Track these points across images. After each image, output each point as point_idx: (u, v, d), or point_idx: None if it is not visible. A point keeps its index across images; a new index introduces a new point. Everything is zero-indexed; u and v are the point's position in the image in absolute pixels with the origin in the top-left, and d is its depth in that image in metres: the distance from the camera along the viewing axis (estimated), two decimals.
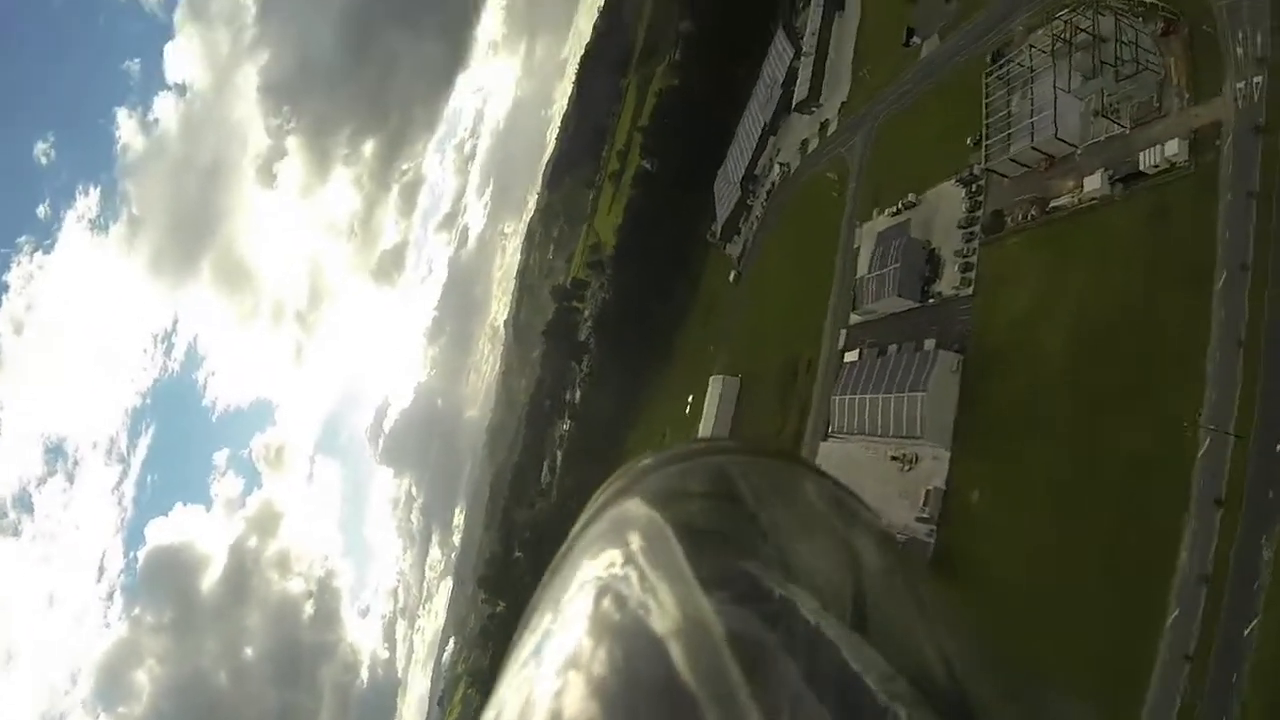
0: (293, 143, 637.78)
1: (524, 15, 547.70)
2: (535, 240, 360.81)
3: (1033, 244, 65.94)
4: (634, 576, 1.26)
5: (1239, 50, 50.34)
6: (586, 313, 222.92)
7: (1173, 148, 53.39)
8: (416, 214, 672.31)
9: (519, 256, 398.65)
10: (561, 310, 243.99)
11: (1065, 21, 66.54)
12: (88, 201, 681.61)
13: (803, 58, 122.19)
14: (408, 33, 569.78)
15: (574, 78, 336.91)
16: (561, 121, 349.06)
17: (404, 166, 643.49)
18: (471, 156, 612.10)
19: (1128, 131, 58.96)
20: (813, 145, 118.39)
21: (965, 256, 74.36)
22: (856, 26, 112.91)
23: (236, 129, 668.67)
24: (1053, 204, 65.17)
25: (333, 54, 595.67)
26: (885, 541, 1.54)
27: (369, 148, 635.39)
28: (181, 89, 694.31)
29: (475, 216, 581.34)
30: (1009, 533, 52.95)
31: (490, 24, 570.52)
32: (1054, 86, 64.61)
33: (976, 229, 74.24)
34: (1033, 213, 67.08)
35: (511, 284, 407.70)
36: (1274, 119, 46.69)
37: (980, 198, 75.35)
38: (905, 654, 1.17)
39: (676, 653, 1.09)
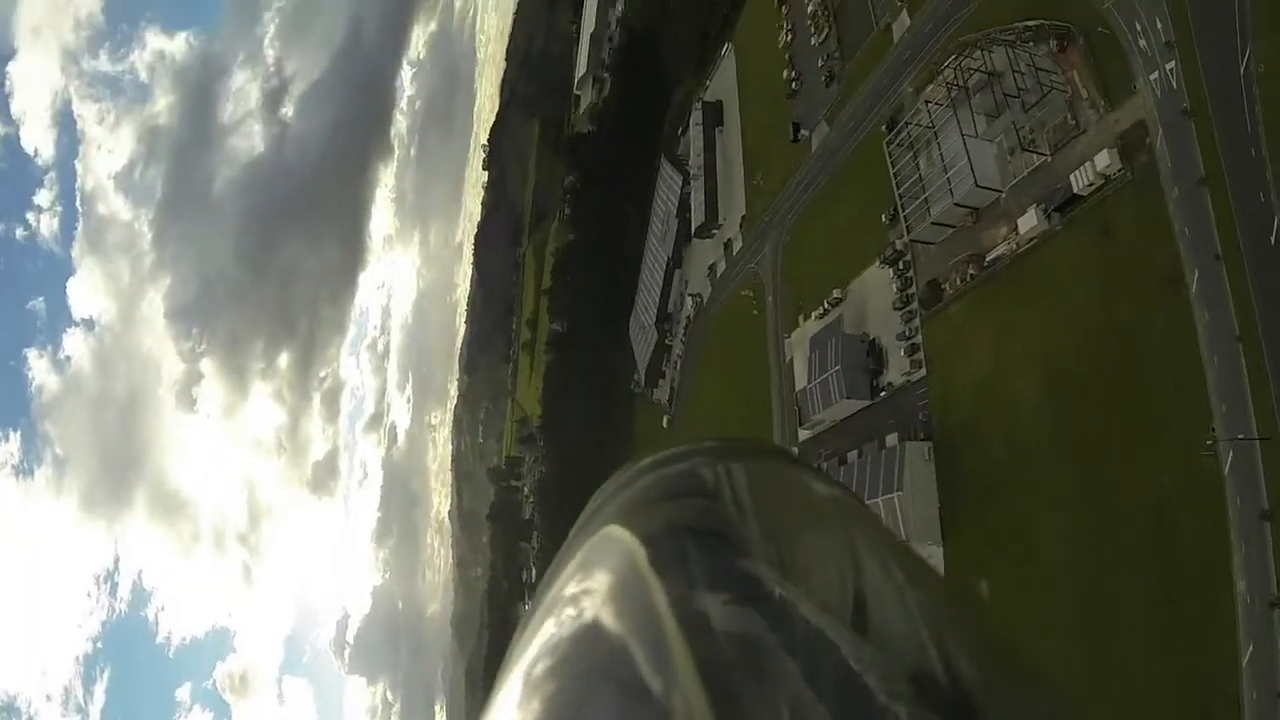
0: (208, 365, 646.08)
1: (413, 206, 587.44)
2: (463, 426, 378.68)
3: (979, 304, 64.58)
4: (618, 593, 1.33)
5: (1142, 42, 51.06)
6: (526, 489, 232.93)
7: (1103, 160, 53.10)
8: (342, 419, 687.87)
9: (450, 445, 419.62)
10: (501, 491, 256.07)
11: (954, 68, 68.04)
12: (8, 447, 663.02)
13: (692, 181, 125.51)
14: (303, 240, 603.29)
15: (472, 258, 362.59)
16: (468, 303, 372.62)
17: (321, 374, 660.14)
18: (386, 354, 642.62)
19: (1050, 159, 58.93)
20: (721, 268, 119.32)
21: (909, 338, 72.75)
22: (740, 137, 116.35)
23: (150, 358, 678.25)
24: (990, 257, 64.25)
25: (233, 271, 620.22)
26: (884, 539, 1.59)
27: (284, 359, 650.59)
28: (89, 323, 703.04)
29: (400, 413, 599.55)
30: (1035, 616, 48.17)
31: (381, 219, 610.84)
32: (961, 135, 64.91)
33: (914, 306, 73.09)
34: (971, 272, 66.09)
35: (448, 474, 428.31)
36: (1198, 99, 46.62)
37: (910, 273, 74.67)
38: (905, 653, 1.22)
39: (643, 661, 1.15)
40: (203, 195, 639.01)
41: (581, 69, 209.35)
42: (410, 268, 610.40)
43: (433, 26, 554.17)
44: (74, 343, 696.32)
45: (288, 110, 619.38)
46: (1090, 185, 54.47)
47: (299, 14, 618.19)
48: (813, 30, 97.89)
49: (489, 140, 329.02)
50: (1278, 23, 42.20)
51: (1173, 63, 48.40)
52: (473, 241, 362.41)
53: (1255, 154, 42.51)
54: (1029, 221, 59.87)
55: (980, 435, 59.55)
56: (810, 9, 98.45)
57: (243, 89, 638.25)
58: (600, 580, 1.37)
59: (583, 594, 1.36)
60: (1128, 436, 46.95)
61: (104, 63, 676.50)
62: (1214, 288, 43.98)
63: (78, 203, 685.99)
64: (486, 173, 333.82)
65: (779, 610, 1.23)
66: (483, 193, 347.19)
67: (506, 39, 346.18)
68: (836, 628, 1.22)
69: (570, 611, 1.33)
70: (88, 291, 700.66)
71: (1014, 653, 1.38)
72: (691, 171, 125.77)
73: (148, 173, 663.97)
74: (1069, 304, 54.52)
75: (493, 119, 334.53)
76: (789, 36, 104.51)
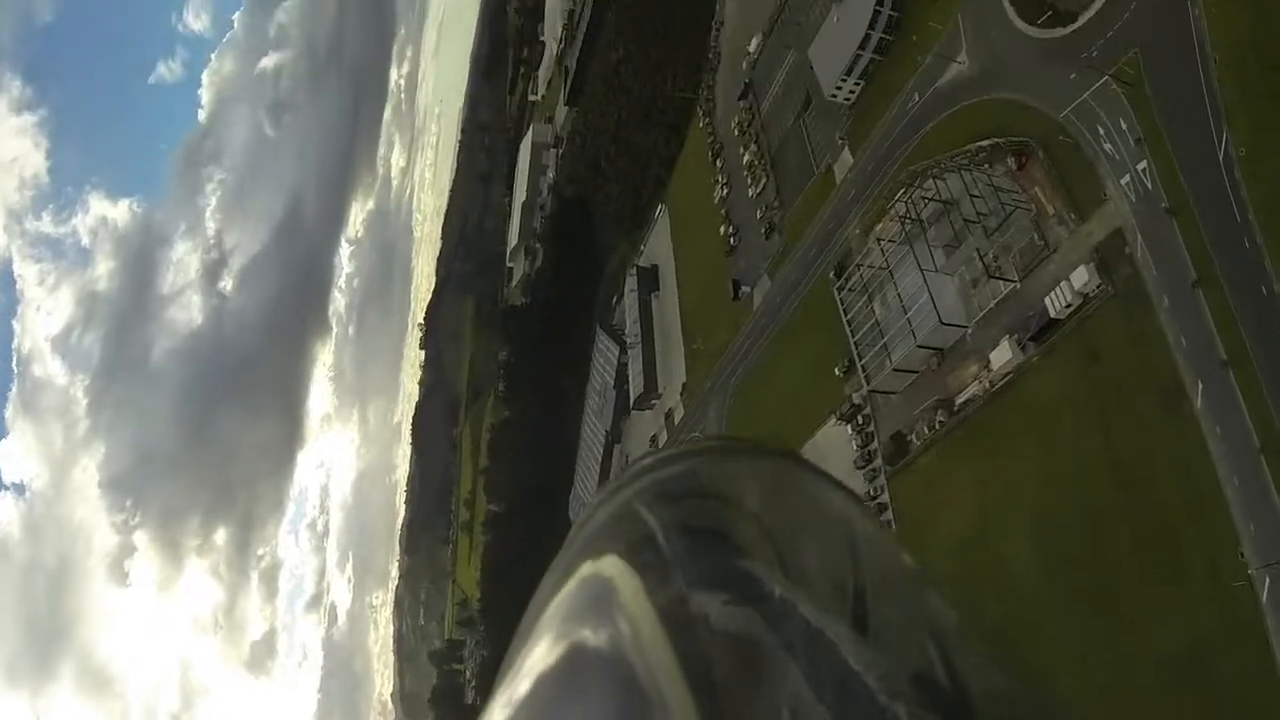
0: (141, 537, 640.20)
1: (352, 385, 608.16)
2: (405, 608, 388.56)
3: (952, 453, 61.87)
4: (620, 588, 1.45)
5: (1107, 146, 51.01)
6: (468, 673, 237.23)
7: (1081, 278, 51.94)
8: (281, 598, 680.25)
9: (392, 626, 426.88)
10: (444, 675, 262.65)
11: (906, 201, 68.08)
12: None
13: (629, 351, 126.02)
14: (241, 415, 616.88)
15: (410, 439, 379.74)
16: (407, 484, 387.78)
17: (259, 552, 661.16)
18: (325, 533, 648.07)
19: (1019, 285, 57.82)
20: (663, 440, 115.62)
21: (874, 498, 69.43)
22: (677, 300, 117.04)
23: (81, 527, 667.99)
24: (960, 399, 62.08)
25: (169, 443, 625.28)
26: (885, 540, 1.77)
27: (221, 536, 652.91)
28: (19, 488, 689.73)
29: (341, 593, 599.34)
30: None
31: (320, 398, 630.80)
32: (920, 271, 63.87)
33: (878, 463, 70.31)
34: (939, 419, 63.70)
35: (390, 656, 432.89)
36: (1178, 195, 45.94)
37: (870, 427, 72.33)
38: (905, 653, 1.34)
39: (648, 660, 1.26)
40: (140, 364, 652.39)
41: (513, 240, 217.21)
42: (349, 447, 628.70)
43: (370, 205, 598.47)
44: (3, 507, 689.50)
45: (227, 284, 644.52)
46: (1068, 307, 53.12)
47: (241, 188, 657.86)
48: (750, 182, 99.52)
49: (425, 319, 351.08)
50: (1251, 99, 42.15)
51: (1144, 162, 48.12)
52: (411, 421, 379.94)
53: (1250, 243, 41.45)
54: (1002, 355, 58.08)
55: (967, 599, 55.29)
56: (746, 159, 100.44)
57: (183, 259, 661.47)
58: (594, 585, 1.47)
59: (571, 600, 1.47)
60: (1143, 578, 43.49)
61: (47, 224, 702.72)
62: (1223, 397, 41.87)
63: (14, 364, 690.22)
64: (423, 352, 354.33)
65: (779, 610, 1.31)
66: (420, 372, 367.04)
67: (442, 217, 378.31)
68: (836, 627, 1.30)
69: (558, 619, 1.44)
70: (19, 455, 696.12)
71: (1013, 655, 1.39)
72: (628, 340, 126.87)
73: (86, 337, 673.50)
74: (1057, 439, 52.05)
75: (429, 297, 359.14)
76: (725, 191, 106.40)
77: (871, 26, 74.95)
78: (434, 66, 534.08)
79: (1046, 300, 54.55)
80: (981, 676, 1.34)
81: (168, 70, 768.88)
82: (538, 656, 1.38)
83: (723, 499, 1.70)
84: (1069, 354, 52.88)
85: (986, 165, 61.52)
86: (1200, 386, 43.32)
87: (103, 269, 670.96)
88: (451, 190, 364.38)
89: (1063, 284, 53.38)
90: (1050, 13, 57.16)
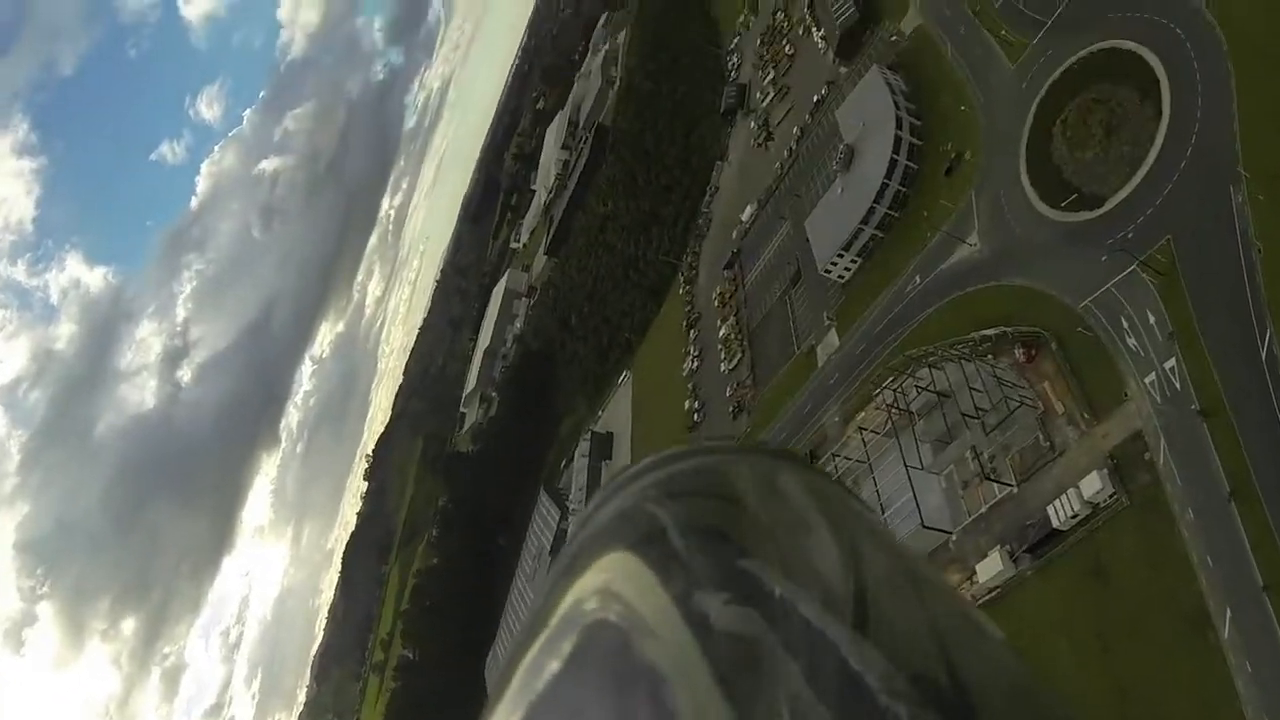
0: (46, 609, 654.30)
1: (291, 502, 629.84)
2: None
3: None
4: (624, 587, 1.50)
5: (1131, 341, 49.02)
6: None
7: (1092, 485, 48.89)
8: (179, 701, 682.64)
9: None
10: None
11: (894, 390, 65.83)
12: None
13: (570, 518, 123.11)
14: (174, 507, 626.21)
15: (340, 568, 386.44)
16: (329, 612, 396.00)
17: (166, 650, 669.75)
18: (238, 645, 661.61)
19: (1016, 489, 54.77)
20: None
21: None
22: None
23: None
24: None
25: (95, 519, 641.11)
26: (887, 540, 1.76)
27: (129, 625, 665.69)
28: None
29: (243, 707, 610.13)
30: None
31: (257, 509, 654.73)
32: (905, 467, 60.70)
33: None
34: None
35: None
36: (1211, 397, 43.43)
37: None
38: (906, 653, 1.35)
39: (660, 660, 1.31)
40: (83, 434, 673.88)
41: (470, 385, 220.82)
42: (278, 563, 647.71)
43: (340, 328, 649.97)
44: None
45: (185, 373, 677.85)
46: (1074, 517, 50.01)
47: (217, 281, 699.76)
48: (723, 356, 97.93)
49: (374, 451, 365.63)
50: None
51: (1173, 359, 46.03)
52: (344, 550, 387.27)
53: None
54: (992, 567, 54.42)
55: None
56: (723, 332, 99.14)
57: (146, 340, 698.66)
58: (602, 579, 1.52)
59: (583, 593, 1.52)
60: None
61: (20, 272, 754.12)
62: (1258, 628, 38.40)
63: None
64: (367, 483, 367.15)
65: (779, 609, 1.36)
66: (360, 503, 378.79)
67: (408, 354, 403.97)
68: (837, 627, 1.34)
69: (570, 611, 1.49)
70: None
71: (1015, 655, 1.45)
72: (571, 507, 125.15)
73: (33, 394, 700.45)
74: (1051, 664, 47.83)
75: (382, 431, 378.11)
76: (695, 363, 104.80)
77: (878, 200, 74.43)
78: (426, 203, 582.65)
79: (1050, 509, 51.43)
80: (984, 676, 1.36)
81: (170, 151, 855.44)
82: (549, 651, 1.42)
83: (725, 498, 1.73)
84: (1071, 570, 49.45)
85: (990, 356, 59.51)
86: (1229, 614, 39.87)
87: (65, 330, 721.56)
88: (421, 329, 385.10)
89: (1069, 491, 50.39)
90: (1075, 195, 56.40)
